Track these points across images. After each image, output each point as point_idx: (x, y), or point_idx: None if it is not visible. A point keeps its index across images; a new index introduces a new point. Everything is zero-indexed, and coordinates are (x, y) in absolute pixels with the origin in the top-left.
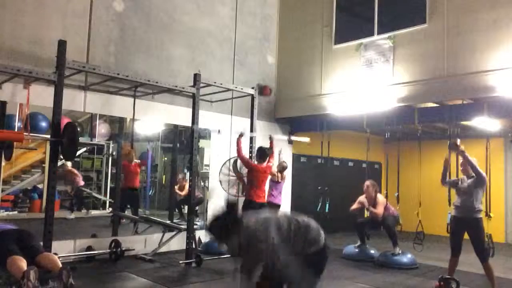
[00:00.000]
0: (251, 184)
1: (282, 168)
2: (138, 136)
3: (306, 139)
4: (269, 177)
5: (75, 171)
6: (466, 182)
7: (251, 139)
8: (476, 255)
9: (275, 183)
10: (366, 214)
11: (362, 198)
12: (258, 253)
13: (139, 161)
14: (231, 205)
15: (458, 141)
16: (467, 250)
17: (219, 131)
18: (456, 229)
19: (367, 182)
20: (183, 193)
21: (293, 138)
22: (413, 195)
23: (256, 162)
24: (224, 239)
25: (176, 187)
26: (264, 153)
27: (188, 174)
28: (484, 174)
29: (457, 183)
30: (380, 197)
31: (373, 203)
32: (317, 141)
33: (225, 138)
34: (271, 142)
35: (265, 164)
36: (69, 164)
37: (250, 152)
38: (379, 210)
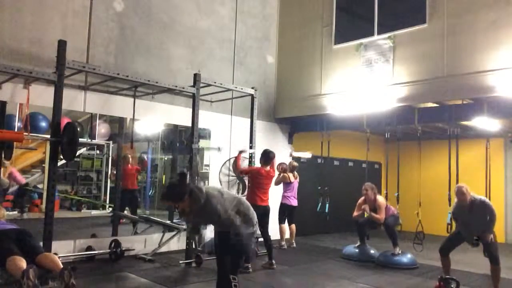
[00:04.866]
0: (253, 188)
1: (293, 168)
2: (138, 136)
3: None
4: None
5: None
6: (472, 216)
7: (251, 139)
8: (488, 258)
9: (288, 184)
10: (366, 213)
11: (361, 201)
12: (209, 216)
13: (144, 159)
14: (182, 175)
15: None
16: (466, 249)
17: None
18: (460, 239)
19: (366, 186)
20: None
21: (295, 154)
22: (413, 195)
23: (259, 165)
24: (178, 199)
25: None
26: (268, 157)
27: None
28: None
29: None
30: (380, 199)
31: (373, 206)
32: (317, 141)
33: (225, 138)
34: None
35: (268, 167)
36: (7, 162)
37: (250, 151)
38: (381, 215)
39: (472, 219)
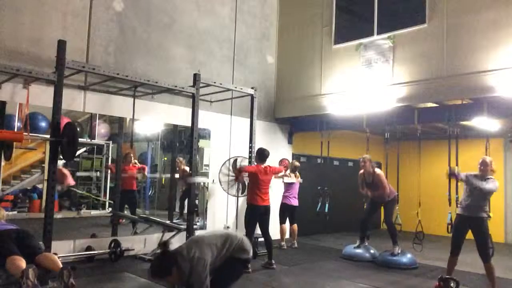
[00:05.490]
0: (253, 188)
1: (294, 168)
2: (138, 136)
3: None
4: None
5: (65, 170)
6: (482, 184)
7: (251, 139)
8: (479, 255)
9: (289, 184)
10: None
11: (361, 173)
12: (199, 275)
13: (141, 165)
14: (163, 244)
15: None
16: (466, 250)
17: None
18: (460, 227)
19: (364, 158)
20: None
21: (286, 180)
22: (413, 195)
23: (255, 164)
24: (166, 274)
25: (178, 177)
26: (263, 155)
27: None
28: (495, 186)
29: (470, 182)
30: (379, 171)
31: (372, 178)
32: (317, 141)
33: (225, 138)
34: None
35: (264, 165)
36: (60, 163)
37: (250, 152)
38: (385, 190)
39: (479, 187)
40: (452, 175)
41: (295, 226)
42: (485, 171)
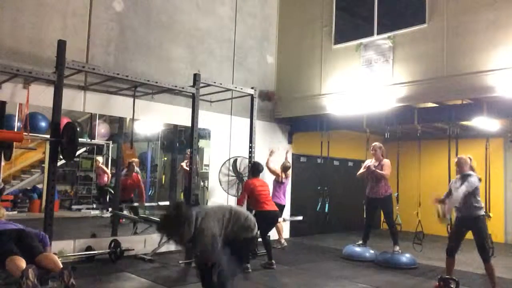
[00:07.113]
0: (255, 198)
1: (285, 168)
2: (138, 136)
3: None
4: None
5: (104, 168)
6: (457, 190)
7: (251, 139)
8: (479, 255)
9: (279, 183)
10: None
11: (368, 162)
12: (204, 243)
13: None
14: (177, 205)
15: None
16: (466, 249)
17: None
18: (459, 228)
19: (374, 146)
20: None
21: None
22: (413, 195)
23: (251, 177)
24: (174, 233)
25: (183, 164)
26: (257, 169)
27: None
28: (471, 184)
29: (449, 193)
30: (386, 160)
31: (379, 165)
32: (317, 141)
33: (225, 138)
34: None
35: (259, 178)
36: (100, 159)
37: (250, 152)
38: (386, 172)
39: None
40: (444, 216)
41: (280, 224)
42: (461, 171)
